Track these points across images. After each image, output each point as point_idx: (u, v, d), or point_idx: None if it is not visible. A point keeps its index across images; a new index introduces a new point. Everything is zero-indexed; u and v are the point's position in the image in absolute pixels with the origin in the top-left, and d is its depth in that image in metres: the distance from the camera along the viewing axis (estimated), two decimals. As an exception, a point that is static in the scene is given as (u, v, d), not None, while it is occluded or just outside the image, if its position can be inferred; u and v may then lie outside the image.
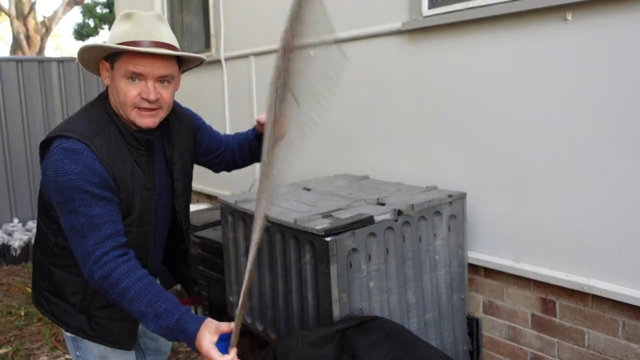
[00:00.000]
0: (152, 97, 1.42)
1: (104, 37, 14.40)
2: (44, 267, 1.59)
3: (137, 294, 1.38)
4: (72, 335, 1.64)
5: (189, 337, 1.40)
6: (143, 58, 1.39)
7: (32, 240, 5.16)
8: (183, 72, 1.58)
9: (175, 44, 1.49)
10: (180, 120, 1.68)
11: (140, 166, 1.52)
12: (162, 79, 1.45)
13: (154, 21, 1.44)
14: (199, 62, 1.60)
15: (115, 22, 1.48)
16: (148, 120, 1.47)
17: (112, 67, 1.45)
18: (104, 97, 1.54)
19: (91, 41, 1.49)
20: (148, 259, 1.60)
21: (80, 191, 1.38)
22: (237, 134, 1.95)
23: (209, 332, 1.45)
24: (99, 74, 1.54)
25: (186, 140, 1.70)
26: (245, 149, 1.90)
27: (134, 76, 1.41)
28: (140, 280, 1.40)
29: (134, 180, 1.49)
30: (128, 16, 1.44)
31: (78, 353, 1.66)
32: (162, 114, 1.51)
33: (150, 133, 1.54)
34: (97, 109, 1.51)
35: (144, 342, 1.92)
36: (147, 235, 1.57)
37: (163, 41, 1.42)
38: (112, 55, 1.44)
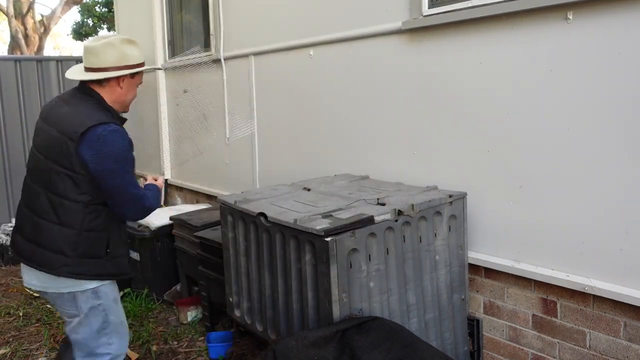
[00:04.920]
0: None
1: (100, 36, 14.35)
2: (75, 239, 2.02)
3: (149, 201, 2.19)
4: (94, 287, 2.07)
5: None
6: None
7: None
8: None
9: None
10: None
11: None
12: None
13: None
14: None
15: (127, 45, 2.15)
16: (128, 110, 2.29)
17: (131, 77, 2.18)
18: (93, 96, 2.12)
19: (131, 55, 2.02)
20: None
21: (130, 158, 2.05)
22: None
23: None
24: (101, 82, 2.12)
25: None
26: None
27: (139, 84, 2.25)
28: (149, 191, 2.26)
29: None
30: (132, 42, 2.18)
31: (99, 302, 2.10)
32: None
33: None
34: (97, 105, 2.09)
35: None
36: None
37: None
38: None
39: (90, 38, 2.31)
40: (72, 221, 2.02)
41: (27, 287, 2.20)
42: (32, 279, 2.14)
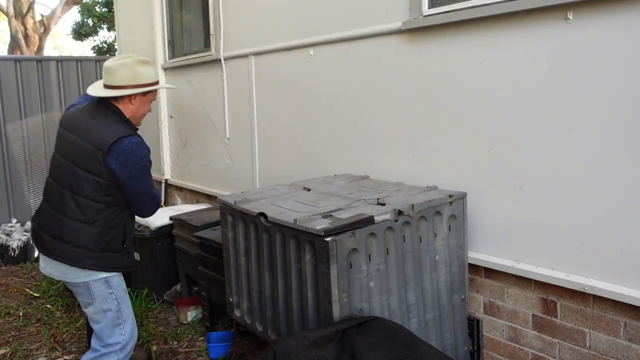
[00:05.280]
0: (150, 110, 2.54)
1: (102, 37, 14.36)
2: (97, 236, 2.29)
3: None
4: (107, 276, 2.33)
5: None
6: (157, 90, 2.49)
7: (31, 241, 5.18)
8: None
9: None
10: None
11: None
12: None
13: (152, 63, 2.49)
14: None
15: (140, 65, 2.37)
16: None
17: (144, 95, 2.41)
18: (114, 110, 2.36)
19: (143, 73, 2.37)
20: None
21: (150, 163, 2.34)
22: None
23: None
24: (116, 98, 2.37)
25: None
26: None
27: (153, 99, 2.48)
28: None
29: None
30: (146, 62, 2.42)
31: (111, 291, 2.36)
32: None
33: None
34: (119, 119, 2.34)
35: None
36: None
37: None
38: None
39: (111, 58, 2.48)
40: (97, 219, 2.29)
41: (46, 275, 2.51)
42: (52, 269, 2.39)
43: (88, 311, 2.41)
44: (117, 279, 2.40)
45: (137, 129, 2.44)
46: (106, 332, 2.37)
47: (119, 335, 2.38)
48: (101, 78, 2.42)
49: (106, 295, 2.35)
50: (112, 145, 2.22)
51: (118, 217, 2.35)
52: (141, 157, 2.28)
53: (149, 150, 2.35)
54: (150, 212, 2.48)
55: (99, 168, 2.24)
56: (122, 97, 2.36)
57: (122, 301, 2.40)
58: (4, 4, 14.01)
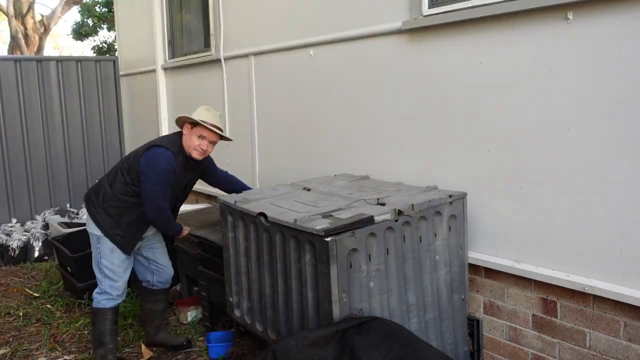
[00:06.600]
0: (204, 148, 2.95)
1: (102, 37, 14.37)
2: (108, 197, 2.94)
3: (170, 220, 3.03)
4: (99, 235, 2.92)
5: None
6: (209, 130, 2.91)
7: (31, 241, 5.21)
8: (221, 139, 3.03)
9: (222, 127, 3.02)
10: (203, 162, 3.10)
11: (182, 173, 2.98)
12: (211, 142, 2.98)
13: (218, 116, 3.02)
14: (229, 140, 3.18)
15: (202, 110, 2.98)
16: (198, 157, 2.97)
17: (191, 128, 2.93)
18: (180, 137, 2.98)
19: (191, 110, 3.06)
20: (173, 209, 3.11)
21: (165, 177, 2.84)
22: (233, 178, 3.43)
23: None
24: (181, 127, 3.02)
25: (199, 171, 3.19)
26: (227, 189, 3.37)
27: (201, 137, 2.92)
28: (170, 215, 3.03)
29: (178, 178, 2.95)
30: (208, 109, 3.00)
31: (99, 246, 2.95)
32: (204, 156, 3.01)
33: (190, 161, 3.01)
34: (177, 142, 2.96)
35: (143, 251, 3.17)
36: (174, 200, 3.06)
37: (219, 126, 2.98)
38: (195, 123, 2.91)
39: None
40: (114, 186, 2.96)
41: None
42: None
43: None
44: (106, 240, 2.94)
45: (191, 158, 2.96)
46: (95, 273, 3.02)
47: (99, 280, 3.00)
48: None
49: (95, 248, 3.00)
50: (150, 148, 2.91)
51: (128, 196, 2.93)
52: (159, 164, 2.83)
53: (173, 170, 2.85)
54: (150, 214, 2.91)
55: (136, 159, 2.93)
56: (182, 126, 3.04)
57: (104, 257, 2.96)
58: (4, 4, 14.00)
